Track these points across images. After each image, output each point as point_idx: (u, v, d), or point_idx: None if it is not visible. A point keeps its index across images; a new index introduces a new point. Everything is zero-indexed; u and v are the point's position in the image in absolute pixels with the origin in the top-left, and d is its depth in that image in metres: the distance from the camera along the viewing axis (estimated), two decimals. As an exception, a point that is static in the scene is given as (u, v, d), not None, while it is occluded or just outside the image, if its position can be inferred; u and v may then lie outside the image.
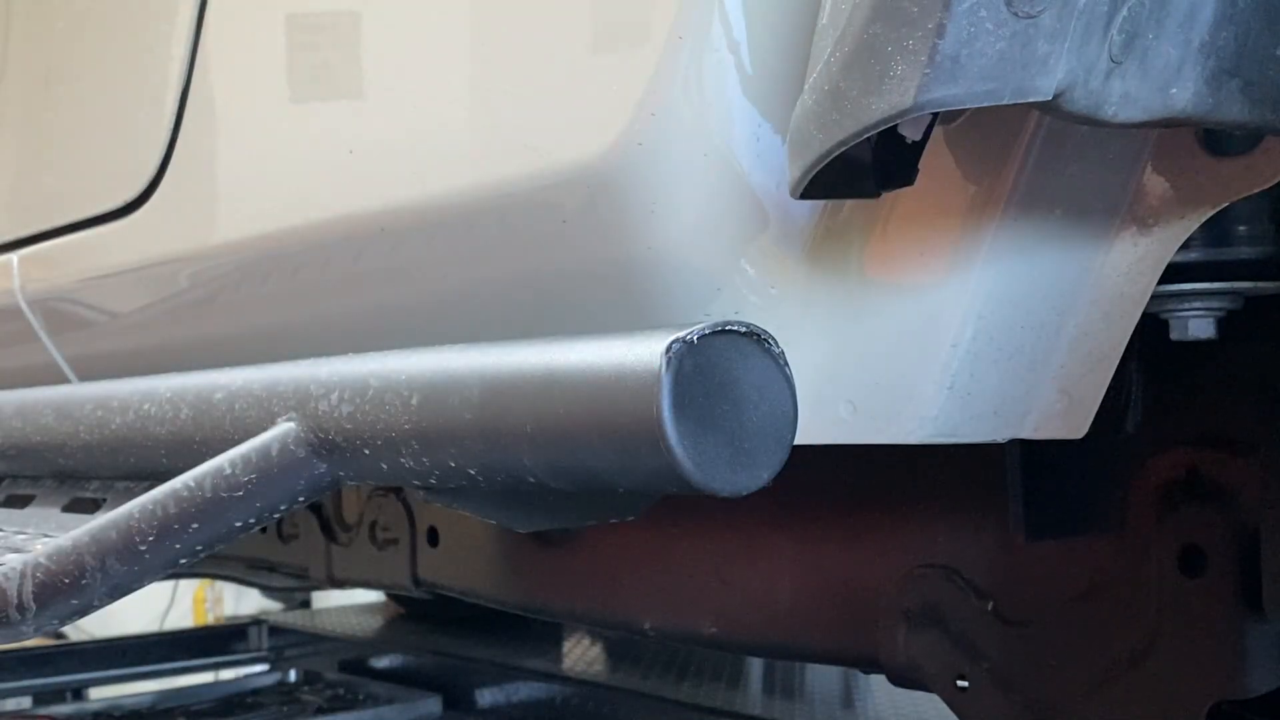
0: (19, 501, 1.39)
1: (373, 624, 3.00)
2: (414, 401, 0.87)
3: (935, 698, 1.23)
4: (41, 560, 1.05)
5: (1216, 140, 0.76)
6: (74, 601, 1.02)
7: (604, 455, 0.74)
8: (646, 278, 0.84)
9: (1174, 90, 0.64)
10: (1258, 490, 1.01)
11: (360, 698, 2.26)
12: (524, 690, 2.32)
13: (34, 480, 1.39)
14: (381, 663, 2.49)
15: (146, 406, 1.15)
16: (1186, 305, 0.86)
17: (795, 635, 1.37)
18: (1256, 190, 0.75)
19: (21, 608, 1.05)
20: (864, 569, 1.29)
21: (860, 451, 0.91)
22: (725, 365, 0.69)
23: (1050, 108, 0.62)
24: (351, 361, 0.98)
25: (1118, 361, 0.83)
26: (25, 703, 2.45)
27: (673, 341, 0.68)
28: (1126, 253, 0.81)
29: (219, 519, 0.98)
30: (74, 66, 1.50)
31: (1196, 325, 0.86)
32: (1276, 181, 0.75)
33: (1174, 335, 0.87)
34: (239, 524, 0.97)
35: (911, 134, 0.71)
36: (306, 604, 3.49)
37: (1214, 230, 0.84)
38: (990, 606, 1.18)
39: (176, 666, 2.68)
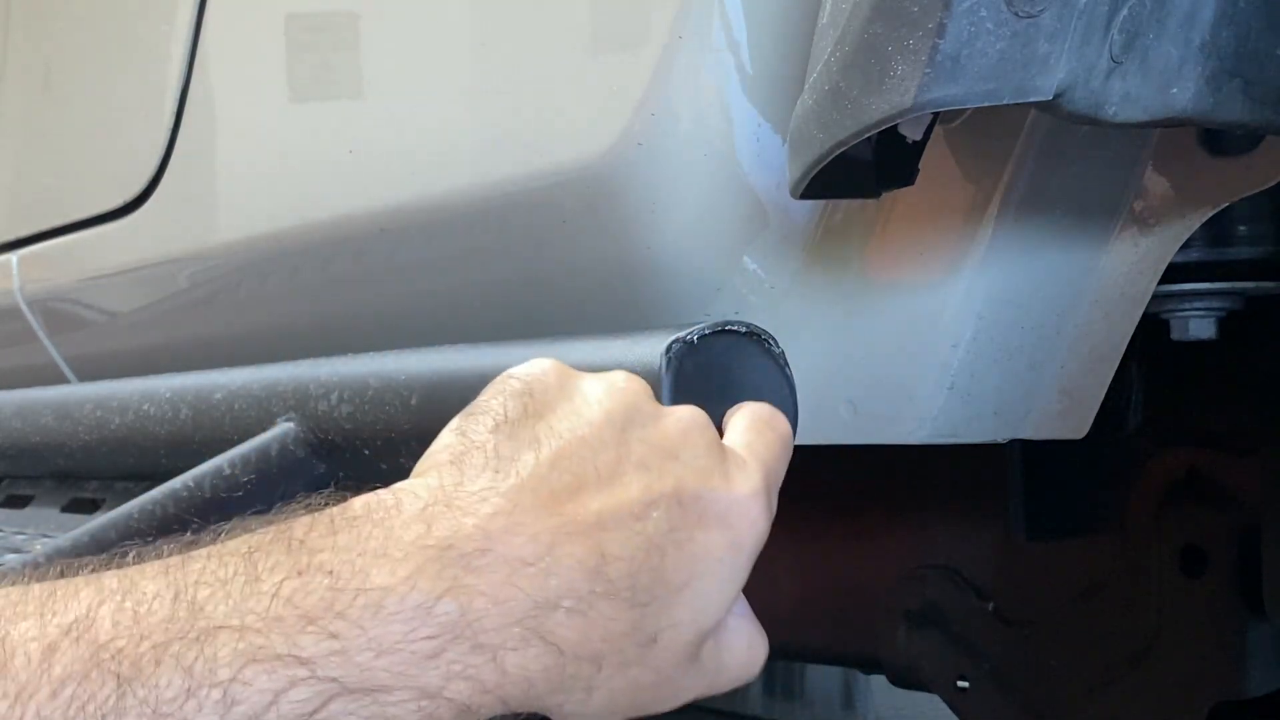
0: (19, 501, 1.39)
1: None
2: (414, 401, 0.86)
3: (935, 698, 1.23)
4: (41, 560, 1.05)
5: (1216, 140, 0.76)
6: (74, 601, 1.02)
7: (604, 455, 0.73)
8: (646, 277, 0.84)
9: (1174, 90, 0.64)
10: (1258, 490, 1.01)
11: (360, 698, 2.25)
12: (524, 690, 2.31)
13: (34, 480, 1.39)
14: (381, 663, 2.48)
15: (146, 406, 1.15)
16: (1186, 305, 0.86)
17: (795, 635, 1.37)
18: (1256, 190, 0.75)
19: (21, 608, 1.05)
20: (864, 569, 1.29)
21: (860, 451, 0.91)
22: (726, 365, 0.69)
23: (1050, 108, 0.62)
24: (351, 361, 0.98)
25: (1118, 361, 0.83)
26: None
27: (673, 341, 0.68)
28: (1126, 253, 0.81)
29: (218, 519, 0.98)
30: (74, 66, 1.50)
31: (1196, 325, 0.86)
32: (1276, 181, 0.75)
33: (1174, 335, 0.87)
34: (239, 524, 0.97)
35: (911, 134, 0.71)
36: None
37: (1214, 230, 0.83)
38: (990, 606, 1.18)
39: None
